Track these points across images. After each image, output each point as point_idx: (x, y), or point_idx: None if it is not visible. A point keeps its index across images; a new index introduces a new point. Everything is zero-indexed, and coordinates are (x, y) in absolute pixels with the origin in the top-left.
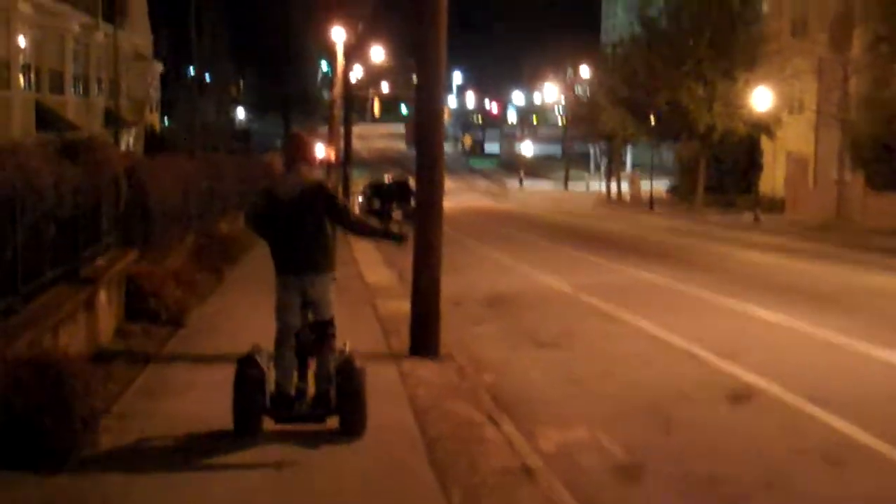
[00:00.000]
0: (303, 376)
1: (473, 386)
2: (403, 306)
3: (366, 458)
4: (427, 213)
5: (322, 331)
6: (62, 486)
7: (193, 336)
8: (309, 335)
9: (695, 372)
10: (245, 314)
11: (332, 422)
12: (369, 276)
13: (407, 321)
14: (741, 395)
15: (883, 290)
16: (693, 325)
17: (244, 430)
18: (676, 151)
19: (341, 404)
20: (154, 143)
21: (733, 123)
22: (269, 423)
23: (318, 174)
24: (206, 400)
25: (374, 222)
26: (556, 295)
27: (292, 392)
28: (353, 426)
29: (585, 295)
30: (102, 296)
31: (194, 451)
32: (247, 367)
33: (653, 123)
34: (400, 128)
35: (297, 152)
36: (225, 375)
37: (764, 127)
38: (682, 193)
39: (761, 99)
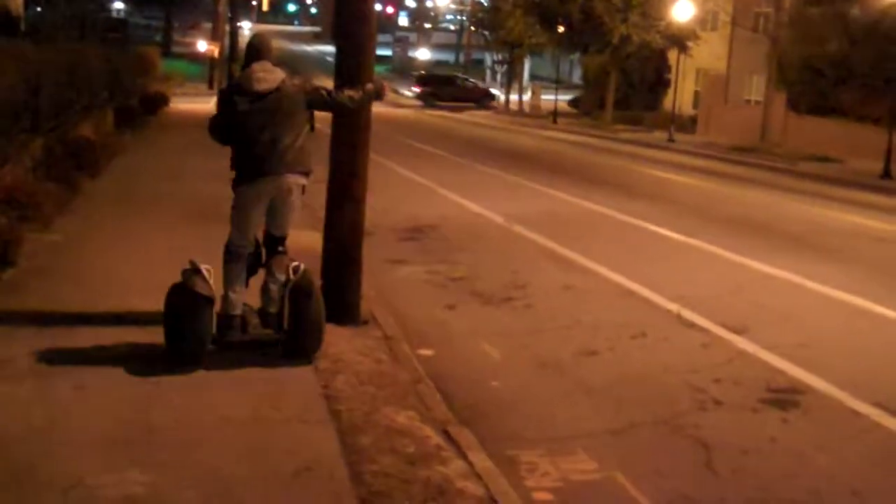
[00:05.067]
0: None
1: (413, 374)
2: (303, 240)
3: None
4: (347, 133)
5: (275, 246)
6: None
7: (23, 280)
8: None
9: (705, 354)
10: (101, 245)
11: None
12: None
13: (309, 263)
14: (786, 396)
15: (853, 231)
16: (672, 277)
17: (190, 362)
18: (584, 63)
19: (296, 326)
20: (9, 29)
21: (649, 36)
22: None
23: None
24: (15, 403)
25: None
26: (487, 226)
27: (240, 312)
28: (305, 349)
29: (522, 227)
30: None
31: None
32: (193, 281)
33: (562, 32)
34: (288, 27)
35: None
36: (53, 350)
37: (679, 41)
38: (586, 107)
39: (682, 11)
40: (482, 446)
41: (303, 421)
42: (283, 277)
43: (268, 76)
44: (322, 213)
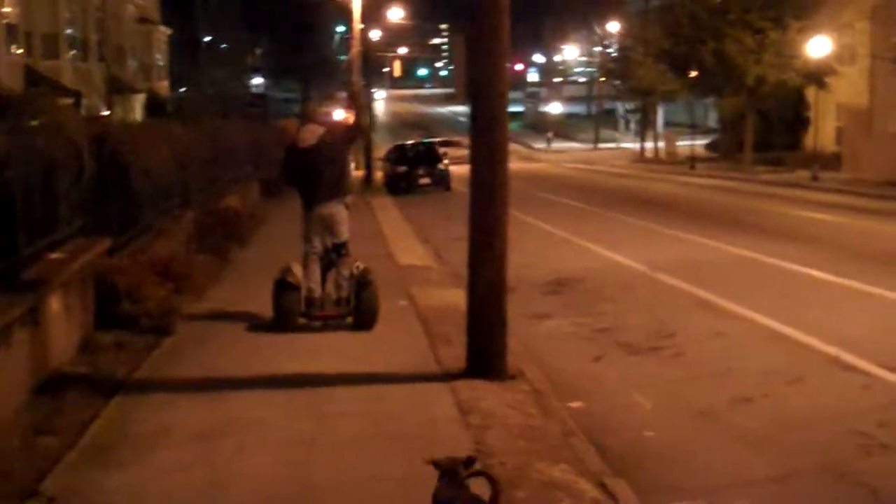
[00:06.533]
0: (324, 285)
1: (564, 426)
2: (447, 297)
3: None
4: (485, 190)
5: (339, 250)
6: None
7: (181, 348)
8: (330, 253)
9: (867, 397)
10: (251, 311)
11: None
12: (401, 255)
13: (455, 320)
14: None
15: None
16: (827, 318)
17: (285, 328)
18: (719, 106)
19: (358, 306)
20: (157, 110)
21: (785, 75)
22: None
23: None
24: (179, 467)
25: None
26: (630, 275)
27: (319, 296)
28: (368, 322)
29: (666, 275)
30: (55, 303)
31: None
32: (286, 276)
33: (695, 77)
34: (420, 91)
35: (308, 114)
36: (212, 414)
37: (816, 78)
38: (724, 151)
39: (817, 47)
40: (640, 498)
41: None
42: (347, 273)
43: (308, 135)
44: (463, 270)
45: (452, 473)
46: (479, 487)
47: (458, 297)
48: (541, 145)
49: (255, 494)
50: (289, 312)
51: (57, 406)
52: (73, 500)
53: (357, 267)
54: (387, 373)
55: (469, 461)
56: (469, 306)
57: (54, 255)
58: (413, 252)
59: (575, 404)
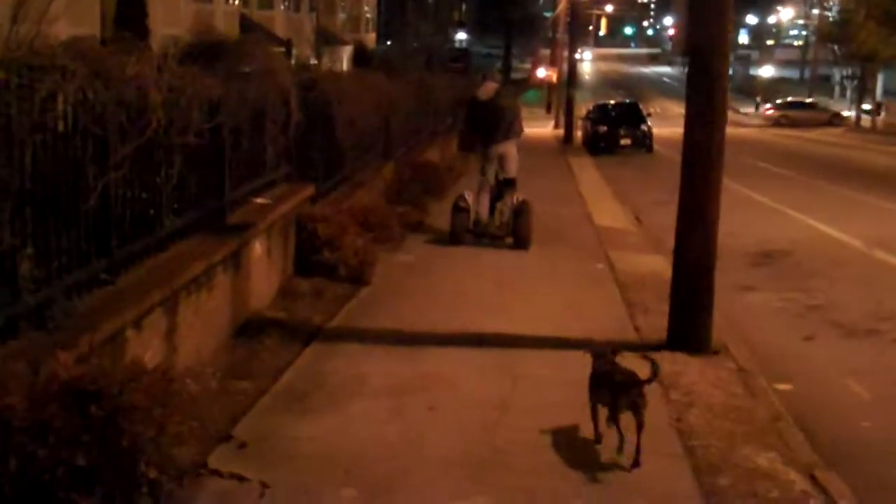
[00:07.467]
0: (492, 211)
1: (771, 409)
2: (647, 263)
3: None
4: (699, 155)
5: (507, 184)
6: None
7: (377, 299)
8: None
9: None
10: (449, 265)
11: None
12: (599, 216)
13: (654, 287)
14: None
15: None
16: None
17: (456, 241)
18: None
19: (515, 229)
20: (363, 62)
21: None
22: None
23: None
24: (371, 419)
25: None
26: (844, 250)
27: (485, 220)
28: (522, 244)
29: (885, 253)
30: (258, 247)
31: None
32: (459, 201)
33: None
34: (625, 50)
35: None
36: (405, 368)
37: None
38: None
39: None
40: (855, 495)
41: (655, 453)
42: (510, 203)
43: (485, 91)
44: (663, 235)
45: (603, 354)
46: None
47: (657, 264)
48: (748, 109)
49: (446, 453)
50: (459, 228)
51: (253, 350)
52: (264, 446)
53: (517, 199)
54: (583, 338)
55: (616, 350)
56: (675, 275)
57: (259, 200)
58: (611, 214)
59: (783, 386)
